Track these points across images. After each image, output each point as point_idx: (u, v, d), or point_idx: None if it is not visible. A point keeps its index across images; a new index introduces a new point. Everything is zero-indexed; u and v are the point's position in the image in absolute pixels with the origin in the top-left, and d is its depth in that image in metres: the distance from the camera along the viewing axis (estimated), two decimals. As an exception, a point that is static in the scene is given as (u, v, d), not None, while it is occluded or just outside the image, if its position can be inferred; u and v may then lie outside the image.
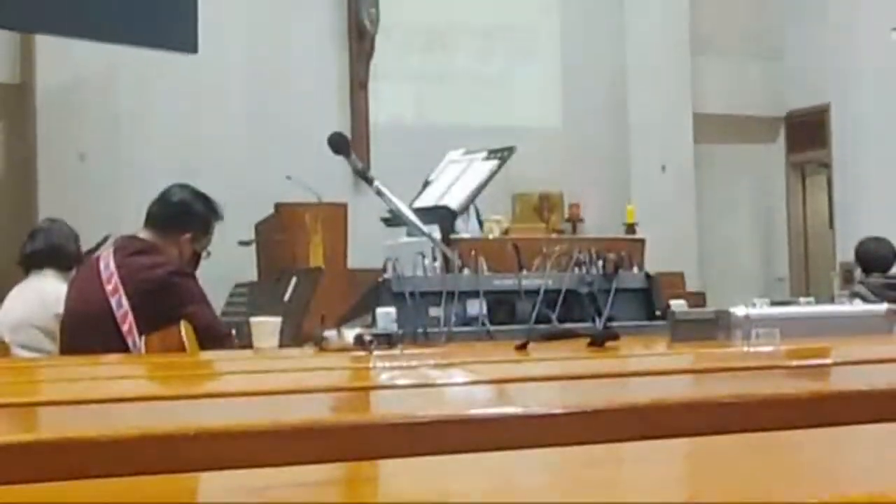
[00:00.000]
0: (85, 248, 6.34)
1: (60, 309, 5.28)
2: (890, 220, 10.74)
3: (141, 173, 11.03)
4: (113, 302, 4.44)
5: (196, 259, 4.81)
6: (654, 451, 1.44)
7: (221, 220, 4.89)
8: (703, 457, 1.42)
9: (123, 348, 4.37)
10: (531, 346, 3.33)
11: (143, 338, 4.37)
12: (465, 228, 8.60)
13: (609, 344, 3.35)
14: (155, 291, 4.47)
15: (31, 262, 5.91)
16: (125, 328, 4.40)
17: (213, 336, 4.48)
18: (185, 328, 4.33)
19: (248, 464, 1.38)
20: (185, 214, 4.76)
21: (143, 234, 4.73)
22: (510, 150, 5.59)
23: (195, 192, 4.88)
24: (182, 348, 4.32)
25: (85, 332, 4.55)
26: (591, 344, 3.36)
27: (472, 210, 8.70)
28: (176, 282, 4.53)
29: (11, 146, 11.30)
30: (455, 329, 4.38)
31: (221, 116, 11.79)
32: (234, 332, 4.82)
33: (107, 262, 4.58)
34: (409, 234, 5.74)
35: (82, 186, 10.98)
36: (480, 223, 10.56)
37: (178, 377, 3.19)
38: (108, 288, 4.48)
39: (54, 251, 5.88)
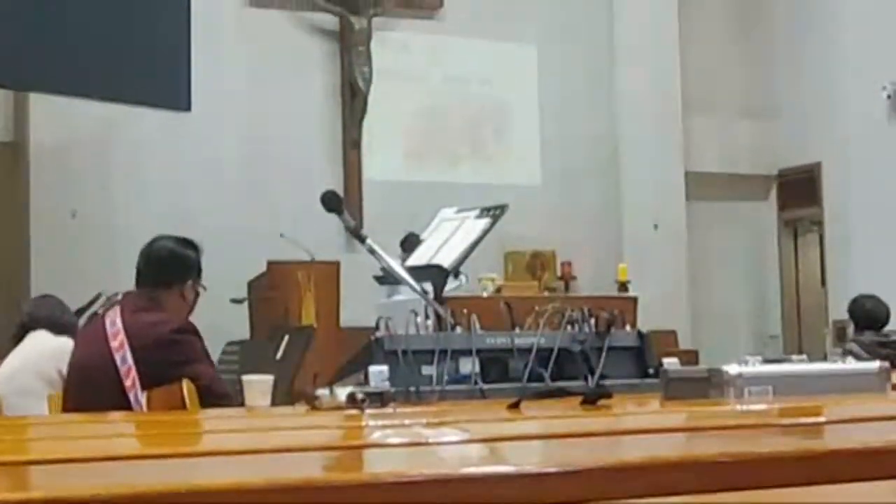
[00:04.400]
0: (76, 307, 6.40)
1: (59, 360, 5.39)
2: (882, 278, 10.76)
3: (133, 231, 11.00)
4: (117, 357, 4.46)
5: (198, 296, 4.89)
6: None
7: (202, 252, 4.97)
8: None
9: (125, 404, 4.37)
10: (524, 404, 3.33)
11: (144, 393, 4.37)
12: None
13: (601, 402, 3.35)
14: (160, 349, 4.49)
15: (26, 327, 6.00)
16: (128, 383, 4.41)
17: (215, 395, 4.48)
18: (187, 386, 4.33)
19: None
20: (181, 265, 4.83)
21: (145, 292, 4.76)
22: (503, 208, 5.60)
23: (177, 239, 4.95)
24: (183, 406, 4.31)
25: (89, 387, 4.56)
26: (583, 402, 3.35)
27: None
28: (180, 339, 4.56)
29: (4, 203, 11.30)
30: (447, 387, 4.37)
31: (214, 174, 11.82)
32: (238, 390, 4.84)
33: (113, 320, 4.61)
34: (401, 293, 5.74)
35: (74, 244, 10.98)
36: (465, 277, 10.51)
37: (169, 435, 3.18)
38: (114, 344, 4.50)
39: (43, 318, 6.00)
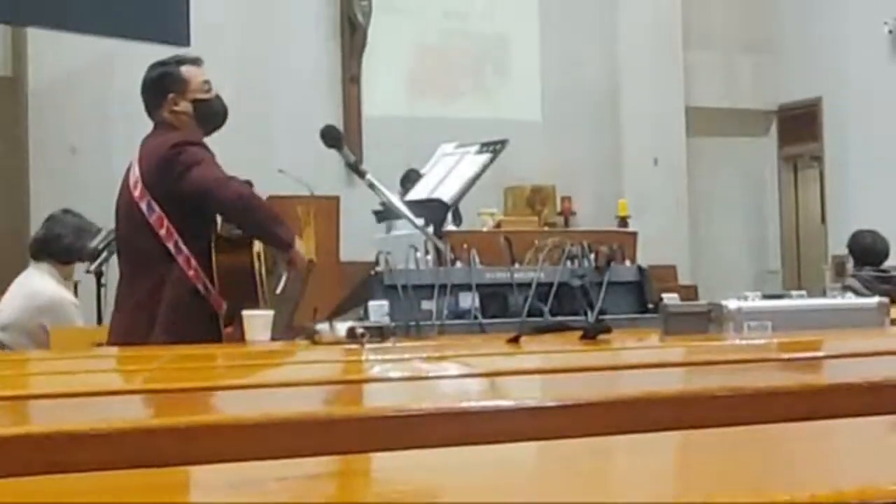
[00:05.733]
0: None
1: (47, 316, 5.41)
2: (881, 214, 10.75)
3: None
4: (143, 206, 4.51)
5: (206, 103, 4.86)
6: (646, 444, 1.44)
7: (194, 62, 4.90)
8: (695, 450, 1.42)
9: (153, 235, 4.46)
10: (523, 339, 3.33)
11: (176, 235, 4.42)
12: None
13: (601, 337, 3.35)
14: (160, 169, 4.51)
15: (32, 251, 5.94)
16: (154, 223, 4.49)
17: (218, 201, 4.55)
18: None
19: (241, 457, 1.38)
20: (156, 84, 4.80)
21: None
22: (503, 143, 5.59)
23: (152, 66, 4.92)
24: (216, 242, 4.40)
25: (127, 237, 4.68)
26: (583, 337, 3.36)
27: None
28: (176, 152, 4.52)
29: (3, 139, 11.26)
30: (447, 322, 4.37)
31: (213, 109, 11.75)
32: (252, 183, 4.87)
33: (131, 167, 4.66)
34: (401, 228, 5.73)
35: (74, 180, 10.94)
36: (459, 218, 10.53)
37: (169, 370, 3.19)
38: (136, 193, 4.56)
39: (50, 241, 5.87)
